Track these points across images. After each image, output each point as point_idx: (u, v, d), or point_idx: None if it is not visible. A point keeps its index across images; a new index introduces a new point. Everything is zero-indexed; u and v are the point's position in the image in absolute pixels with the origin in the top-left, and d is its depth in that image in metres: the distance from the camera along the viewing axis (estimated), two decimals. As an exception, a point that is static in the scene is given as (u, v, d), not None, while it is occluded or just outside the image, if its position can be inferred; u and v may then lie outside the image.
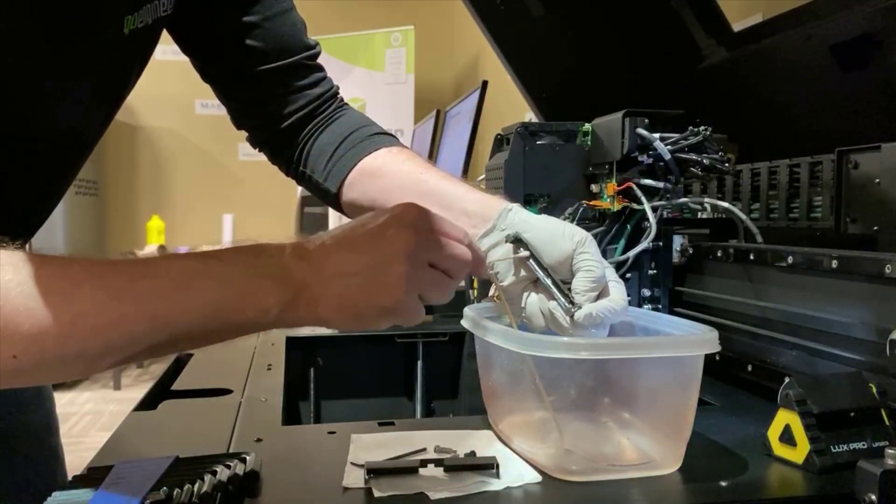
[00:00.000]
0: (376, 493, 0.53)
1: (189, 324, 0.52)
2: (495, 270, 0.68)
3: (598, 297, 0.64)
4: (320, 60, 0.87)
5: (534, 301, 0.66)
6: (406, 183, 0.77)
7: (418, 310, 0.57)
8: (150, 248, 4.54)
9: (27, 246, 0.68)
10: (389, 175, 0.79)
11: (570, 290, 0.65)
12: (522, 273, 0.67)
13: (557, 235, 0.66)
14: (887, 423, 0.59)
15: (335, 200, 0.84)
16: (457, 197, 0.73)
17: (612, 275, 0.67)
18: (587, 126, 0.96)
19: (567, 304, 0.63)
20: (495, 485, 0.55)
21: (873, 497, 0.50)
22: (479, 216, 0.71)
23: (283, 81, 0.82)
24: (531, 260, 0.65)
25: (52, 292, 0.49)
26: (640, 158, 0.88)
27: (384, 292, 0.54)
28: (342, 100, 0.88)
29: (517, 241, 0.66)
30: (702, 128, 0.87)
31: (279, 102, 0.83)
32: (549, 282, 0.65)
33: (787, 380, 0.60)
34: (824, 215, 1.02)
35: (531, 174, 0.94)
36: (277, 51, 0.80)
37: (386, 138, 0.84)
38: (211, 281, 0.53)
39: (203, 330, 0.53)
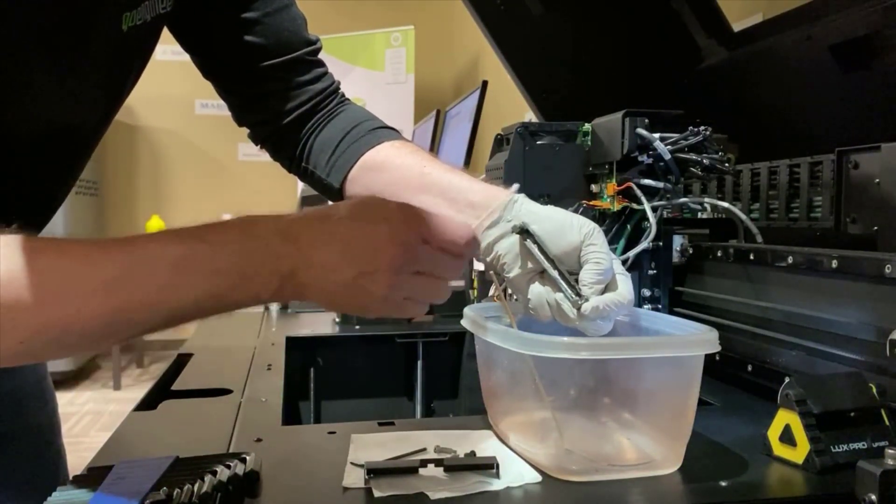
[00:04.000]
0: (376, 493, 0.53)
1: (184, 307, 0.54)
2: (502, 262, 0.68)
3: (605, 290, 0.64)
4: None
5: (540, 292, 0.66)
6: (409, 176, 0.77)
7: (404, 307, 0.59)
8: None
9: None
10: (393, 169, 0.79)
11: (577, 281, 0.64)
12: (529, 264, 0.67)
13: (565, 226, 0.66)
14: (887, 423, 0.59)
15: (338, 195, 0.83)
16: (461, 189, 0.73)
17: (618, 267, 0.67)
18: (587, 126, 0.96)
19: (574, 297, 0.63)
20: (495, 485, 0.55)
21: (873, 497, 0.50)
22: (484, 207, 0.70)
23: (284, 77, 0.82)
24: (538, 252, 0.65)
25: (55, 285, 0.51)
26: (640, 158, 0.88)
27: (365, 297, 0.57)
28: (343, 95, 0.88)
29: (524, 232, 0.66)
30: (702, 128, 0.87)
31: (281, 98, 0.83)
32: (555, 274, 0.64)
33: (787, 380, 0.60)
34: (824, 215, 1.02)
35: (531, 174, 0.94)
36: (278, 46, 0.80)
37: (388, 132, 0.83)
38: (204, 269, 0.55)
39: (198, 311, 0.56)
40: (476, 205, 0.71)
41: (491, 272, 0.70)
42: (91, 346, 0.55)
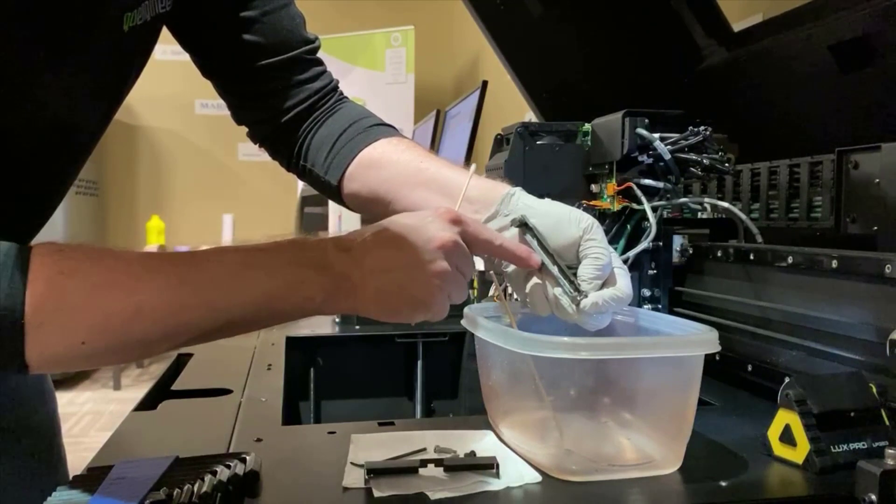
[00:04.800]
0: (376, 493, 0.53)
1: (240, 311, 0.56)
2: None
3: (604, 284, 0.65)
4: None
5: (538, 287, 0.66)
6: (407, 172, 0.77)
7: (447, 306, 0.60)
8: (151, 248, 4.54)
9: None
10: (390, 165, 0.79)
11: (575, 275, 0.64)
12: None
13: (563, 221, 0.66)
14: (887, 423, 0.59)
15: (337, 193, 0.83)
16: (458, 184, 0.73)
17: (617, 262, 0.66)
18: (587, 126, 0.96)
19: (573, 292, 0.63)
20: (495, 485, 0.55)
21: (873, 497, 0.50)
22: (482, 201, 0.70)
23: (282, 76, 0.82)
24: (537, 246, 0.65)
25: (116, 285, 0.53)
26: (640, 158, 0.88)
27: (421, 288, 0.58)
28: (342, 93, 0.88)
29: (523, 226, 0.66)
30: (702, 128, 0.87)
31: (279, 97, 0.83)
32: (555, 269, 0.64)
33: (787, 380, 0.60)
34: (824, 215, 1.02)
35: (531, 174, 0.94)
36: (277, 45, 0.80)
37: (385, 129, 0.83)
38: (260, 272, 0.56)
39: (253, 317, 0.57)
40: (473, 199, 0.71)
41: (491, 272, 0.70)
42: (150, 349, 0.56)
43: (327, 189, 0.84)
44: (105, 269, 0.53)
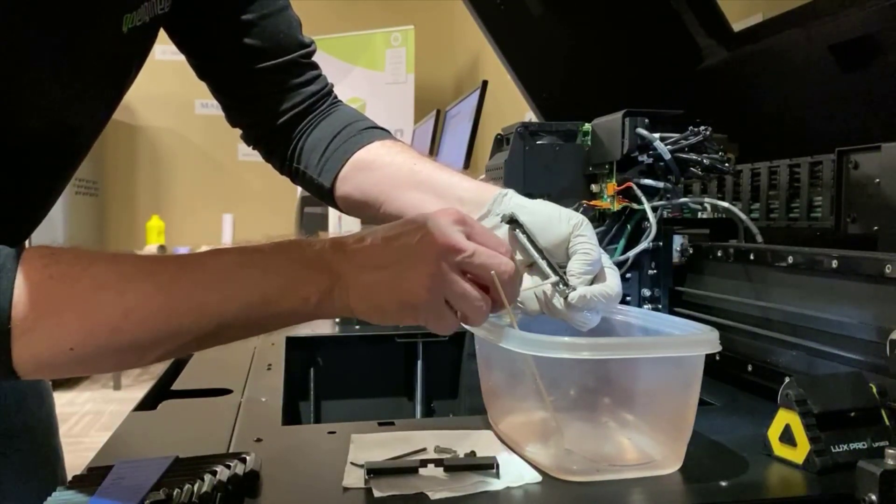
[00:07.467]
0: (376, 493, 0.53)
1: (234, 314, 0.54)
2: None
3: (593, 282, 0.64)
4: (320, 60, 0.87)
5: (528, 285, 0.66)
6: (400, 174, 0.77)
7: (444, 315, 0.56)
8: (150, 248, 4.55)
9: (26, 243, 0.68)
10: (383, 167, 0.79)
11: (565, 272, 0.64)
12: (518, 257, 0.66)
13: (553, 218, 0.66)
14: (887, 423, 0.59)
15: (329, 196, 0.84)
16: (451, 185, 0.73)
17: (607, 261, 0.67)
18: (587, 126, 0.96)
19: (562, 287, 0.63)
20: (495, 485, 0.55)
21: (873, 497, 0.50)
22: (474, 203, 0.70)
23: (278, 79, 0.82)
24: (527, 242, 0.65)
25: (105, 289, 0.52)
26: (640, 158, 0.88)
27: (407, 288, 0.55)
28: (336, 97, 0.88)
29: (512, 222, 0.66)
30: (702, 128, 0.87)
31: (274, 100, 0.83)
32: (544, 264, 0.64)
33: (787, 380, 0.60)
34: (824, 215, 1.02)
35: (531, 174, 0.94)
36: (273, 49, 0.80)
37: (378, 132, 0.84)
38: (255, 271, 0.55)
39: (247, 320, 0.55)
40: (466, 201, 0.71)
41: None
42: (143, 356, 0.54)
43: (320, 191, 0.84)
44: (95, 273, 0.52)
